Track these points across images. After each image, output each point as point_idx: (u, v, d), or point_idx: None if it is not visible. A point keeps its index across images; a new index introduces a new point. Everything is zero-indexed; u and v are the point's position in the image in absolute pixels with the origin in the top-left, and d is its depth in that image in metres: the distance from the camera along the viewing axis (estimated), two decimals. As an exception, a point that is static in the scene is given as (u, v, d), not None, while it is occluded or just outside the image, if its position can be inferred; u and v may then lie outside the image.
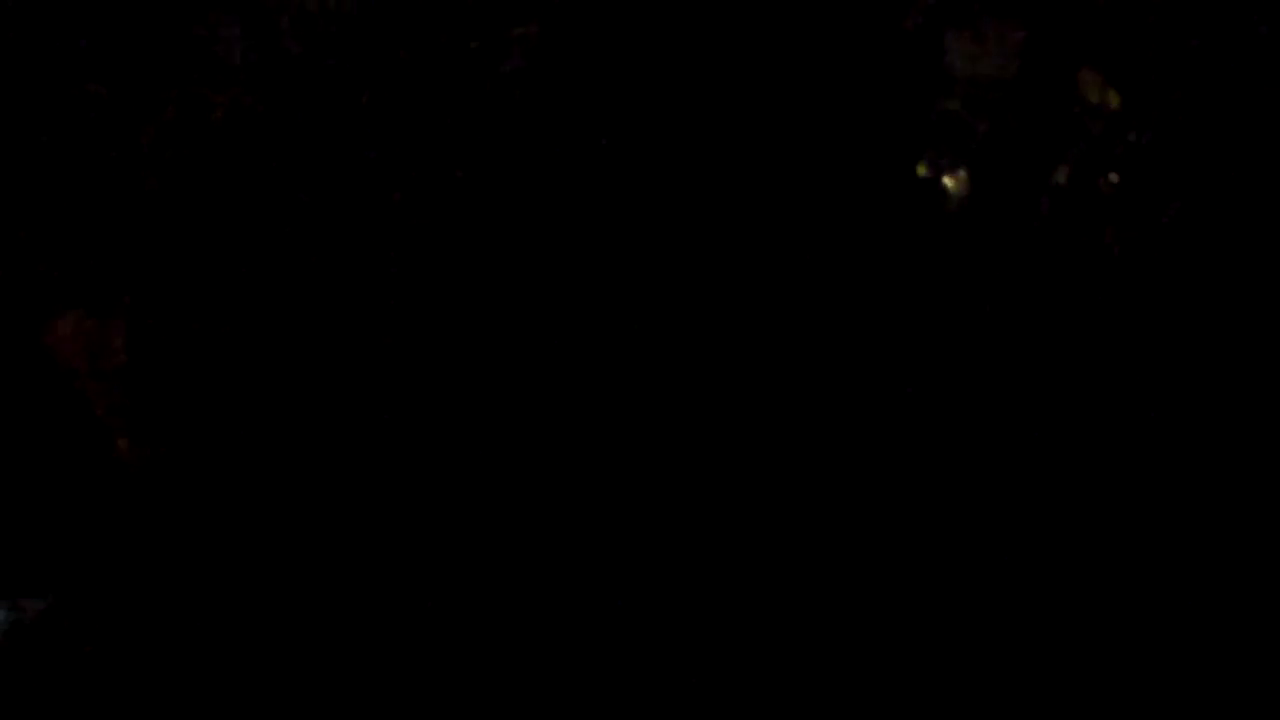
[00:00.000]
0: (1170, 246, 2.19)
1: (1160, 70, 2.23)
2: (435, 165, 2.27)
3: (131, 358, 2.15)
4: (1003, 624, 2.03)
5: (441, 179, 2.27)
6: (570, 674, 1.99)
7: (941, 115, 2.31)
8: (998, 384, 2.18)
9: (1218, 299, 2.17)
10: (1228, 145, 2.20)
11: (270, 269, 2.22)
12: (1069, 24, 2.25)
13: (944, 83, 2.29)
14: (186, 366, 2.16)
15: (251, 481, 2.13)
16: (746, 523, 2.11)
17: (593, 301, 2.22)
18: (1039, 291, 2.23)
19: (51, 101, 2.23)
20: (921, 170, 2.28)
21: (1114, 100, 2.25)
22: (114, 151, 2.21)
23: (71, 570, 2.02)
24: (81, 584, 2.01)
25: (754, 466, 2.13)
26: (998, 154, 2.27)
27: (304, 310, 2.21)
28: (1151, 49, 2.24)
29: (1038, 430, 2.15)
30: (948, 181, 2.30)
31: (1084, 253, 2.23)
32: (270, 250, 2.23)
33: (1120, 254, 2.21)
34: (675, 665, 2.01)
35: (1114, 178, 2.23)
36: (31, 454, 2.09)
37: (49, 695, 1.92)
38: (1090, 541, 2.08)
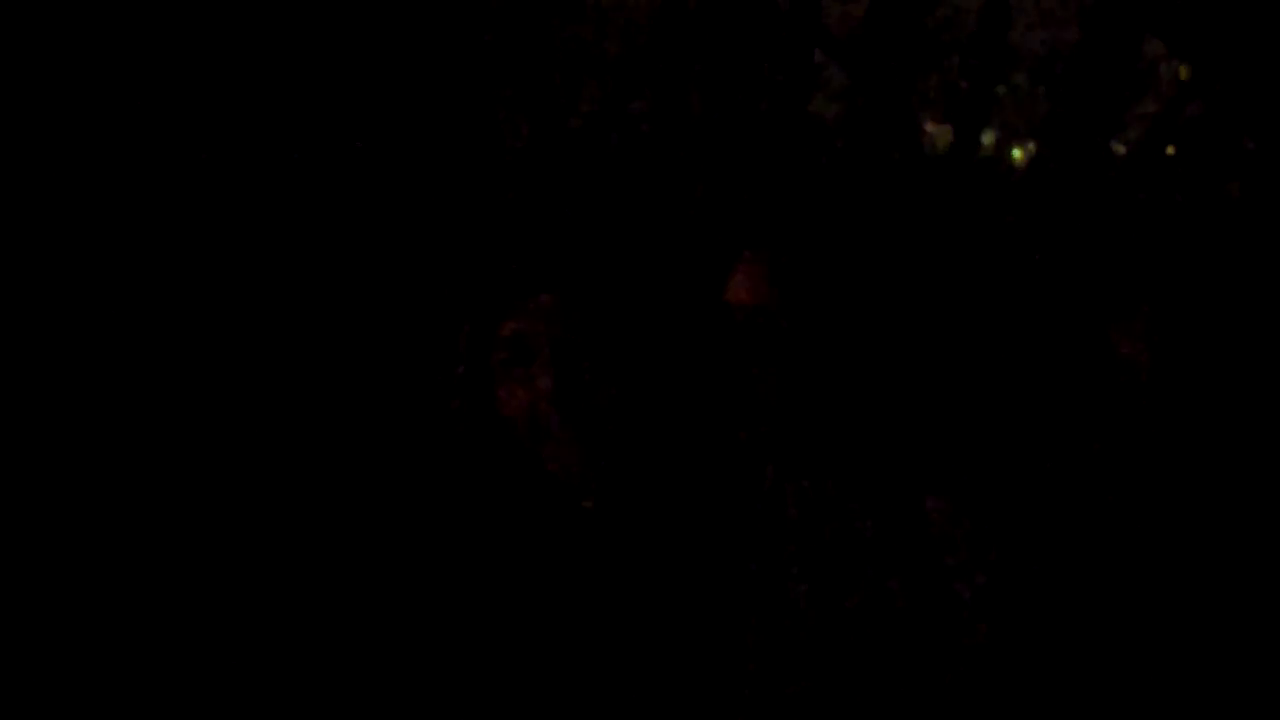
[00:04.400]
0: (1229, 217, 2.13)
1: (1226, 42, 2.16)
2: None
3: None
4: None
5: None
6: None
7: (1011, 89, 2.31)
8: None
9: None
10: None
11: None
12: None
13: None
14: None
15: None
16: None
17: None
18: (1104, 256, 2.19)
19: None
20: (988, 140, 2.28)
21: (1182, 73, 2.21)
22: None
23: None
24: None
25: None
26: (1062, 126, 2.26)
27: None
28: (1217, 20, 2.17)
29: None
30: (1015, 152, 2.29)
31: (1146, 221, 2.19)
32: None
33: (1182, 222, 2.16)
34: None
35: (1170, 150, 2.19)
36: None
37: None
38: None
